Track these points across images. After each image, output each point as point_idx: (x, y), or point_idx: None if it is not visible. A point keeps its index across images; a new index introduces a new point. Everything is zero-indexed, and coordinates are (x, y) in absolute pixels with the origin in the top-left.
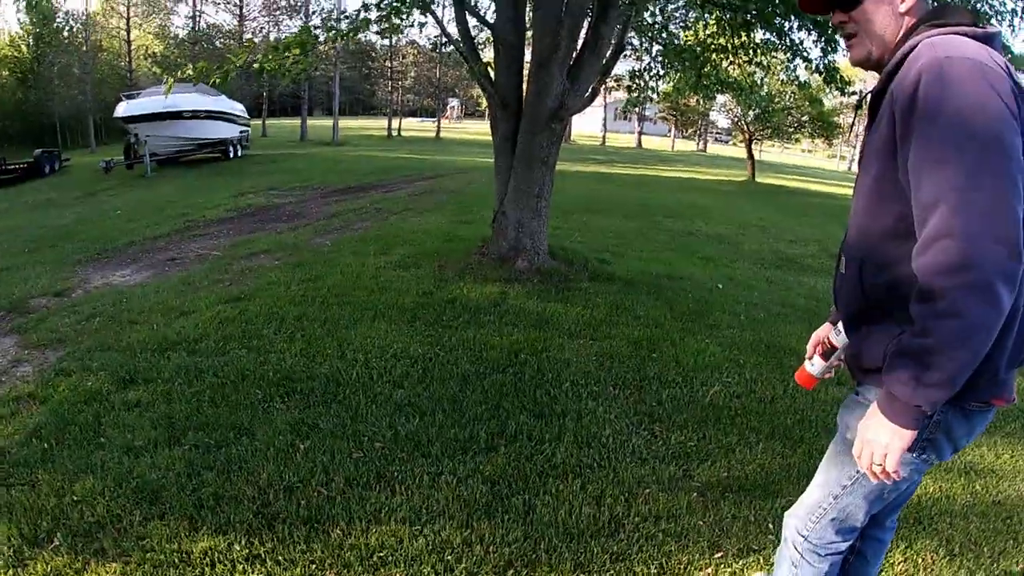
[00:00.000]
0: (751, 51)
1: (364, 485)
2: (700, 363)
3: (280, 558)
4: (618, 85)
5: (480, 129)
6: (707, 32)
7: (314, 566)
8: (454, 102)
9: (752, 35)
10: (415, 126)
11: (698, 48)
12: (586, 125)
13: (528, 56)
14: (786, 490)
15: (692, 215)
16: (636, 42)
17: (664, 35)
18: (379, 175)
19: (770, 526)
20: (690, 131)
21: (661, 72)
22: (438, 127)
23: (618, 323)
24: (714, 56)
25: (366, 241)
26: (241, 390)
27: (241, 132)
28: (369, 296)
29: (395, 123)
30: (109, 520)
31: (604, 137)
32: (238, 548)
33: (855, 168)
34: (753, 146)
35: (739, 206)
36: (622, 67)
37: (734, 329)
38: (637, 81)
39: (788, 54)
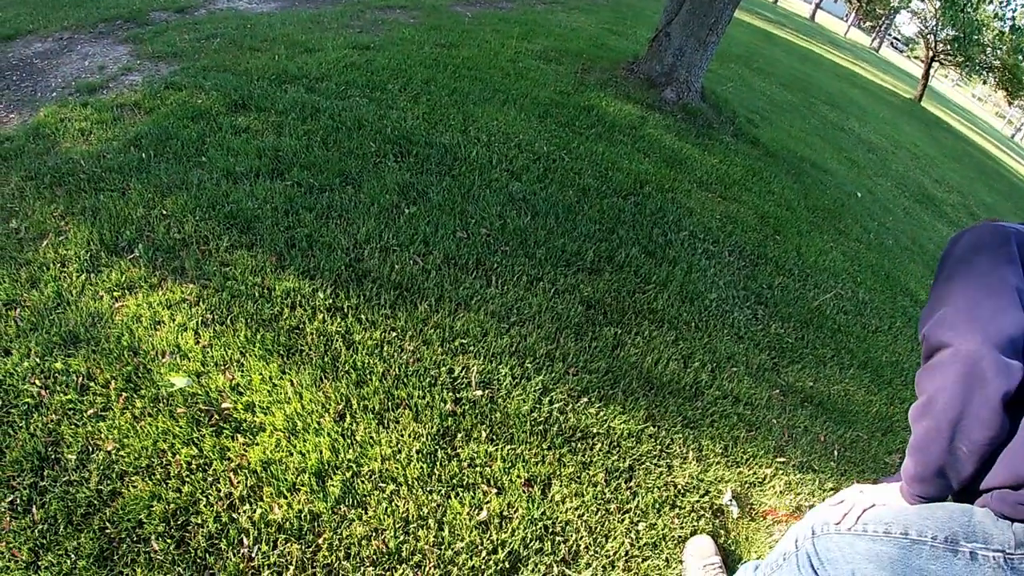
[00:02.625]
0: None
1: (461, 267)
2: (820, 264)
3: (362, 316)
4: None
5: None
6: None
7: (394, 333)
8: None
9: None
10: None
11: None
12: None
13: None
14: (861, 424)
15: (849, 111)
16: None
17: None
18: None
19: (834, 453)
20: (869, 24)
21: None
22: None
23: (751, 190)
24: None
25: (509, 22)
26: (355, 138)
27: None
28: (503, 79)
29: None
30: (195, 240)
31: None
32: (322, 296)
33: (1019, 137)
34: (931, 69)
35: (897, 123)
36: None
37: (861, 244)
38: None
39: None
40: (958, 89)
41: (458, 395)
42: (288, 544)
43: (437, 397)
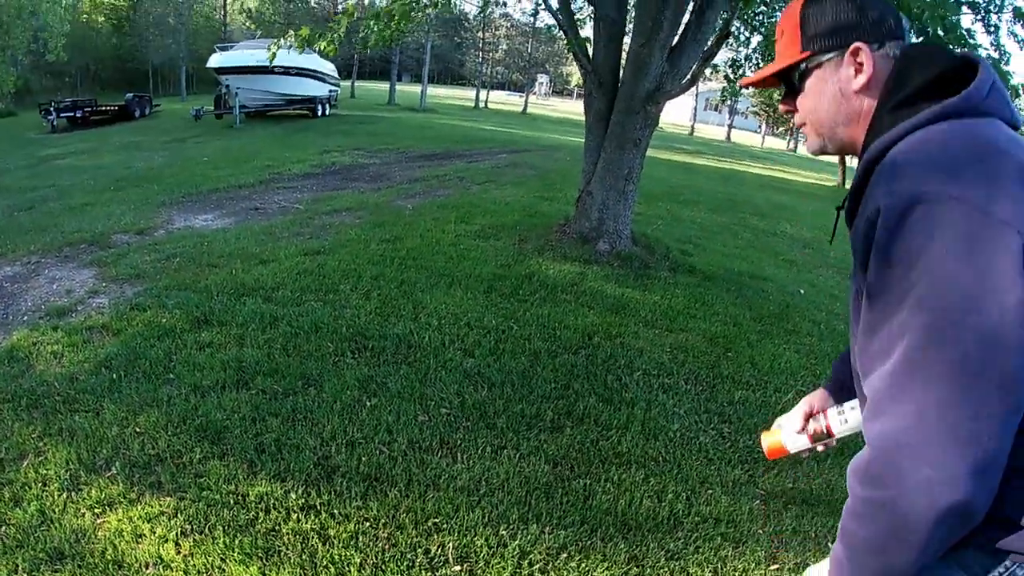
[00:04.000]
0: None
1: (426, 449)
2: (776, 367)
3: (335, 511)
4: (714, 74)
5: (567, 108)
6: None
7: (368, 523)
8: (543, 78)
9: None
10: (503, 99)
11: None
12: (674, 113)
13: (628, 36)
14: None
15: (778, 216)
16: (739, 30)
17: (768, 24)
18: (464, 144)
19: (829, 545)
20: (781, 129)
21: (761, 64)
22: (525, 102)
23: (695, 316)
24: None
25: (447, 208)
26: (313, 341)
27: (331, 91)
28: (447, 263)
29: (483, 95)
30: (169, 455)
31: (692, 127)
32: (294, 496)
33: None
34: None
35: (827, 212)
36: (721, 56)
37: (813, 337)
38: (735, 71)
39: None
40: None
41: (437, 573)
42: None
43: None
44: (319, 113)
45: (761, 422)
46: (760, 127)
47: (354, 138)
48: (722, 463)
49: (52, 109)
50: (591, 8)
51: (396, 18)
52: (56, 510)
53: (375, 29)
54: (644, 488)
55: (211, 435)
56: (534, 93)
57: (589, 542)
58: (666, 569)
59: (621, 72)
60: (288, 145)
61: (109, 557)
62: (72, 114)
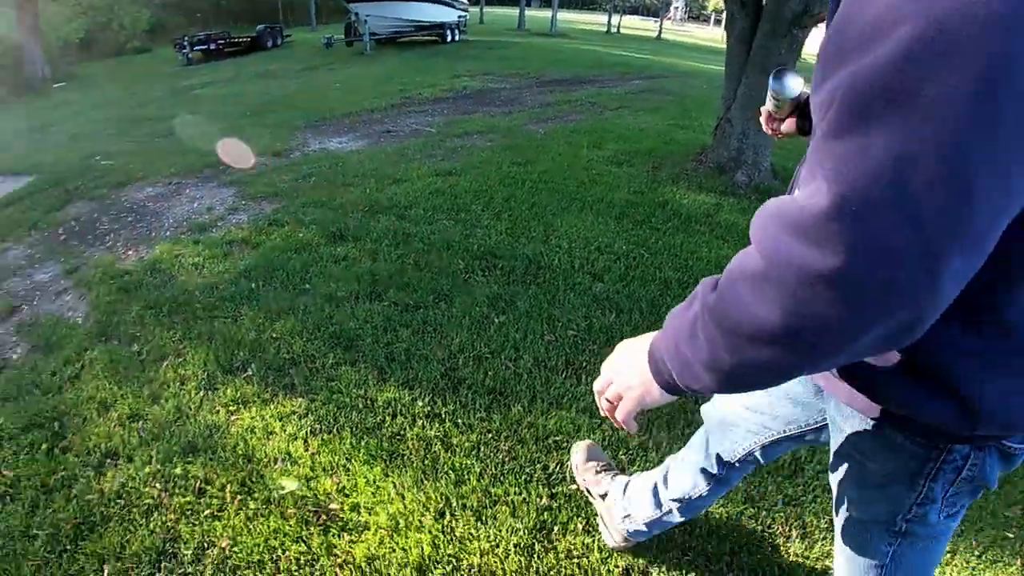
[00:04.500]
0: None
1: (551, 368)
2: None
3: (459, 420)
4: None
5: (704, 35)
6: None
7: (490, 435)
8: (679, 2)
9: None
10: (636, 24)
11: None
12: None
13: None
14: None
15: None
16: None
17: None
18: (596, 69)
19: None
20: None
21: None
22: (660, 27)
23: None
24: None
25: (579, 133)
26: (445, 258)
27: (459, 17)
28: (578, 187)
29: (615, 19)
30: (303, 359)
31: None
32: (421, 404)
33: None
34: None
35: None
36: None
37: None
38: None
39: None
40: None
41: (553, 490)
42: None
43: (533, 493)
44: (448, 39)
45: None
46: None
47: (484, 63)
48: None
49: (186, 43)
50: None
51: None
52: (192, 407)
53: None
54: None
55: (344, 342)
56: (668, 18)
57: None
58: (782, 514)
59: None
60: (419, 70)
61: (240, 451)
62: (206, 47)
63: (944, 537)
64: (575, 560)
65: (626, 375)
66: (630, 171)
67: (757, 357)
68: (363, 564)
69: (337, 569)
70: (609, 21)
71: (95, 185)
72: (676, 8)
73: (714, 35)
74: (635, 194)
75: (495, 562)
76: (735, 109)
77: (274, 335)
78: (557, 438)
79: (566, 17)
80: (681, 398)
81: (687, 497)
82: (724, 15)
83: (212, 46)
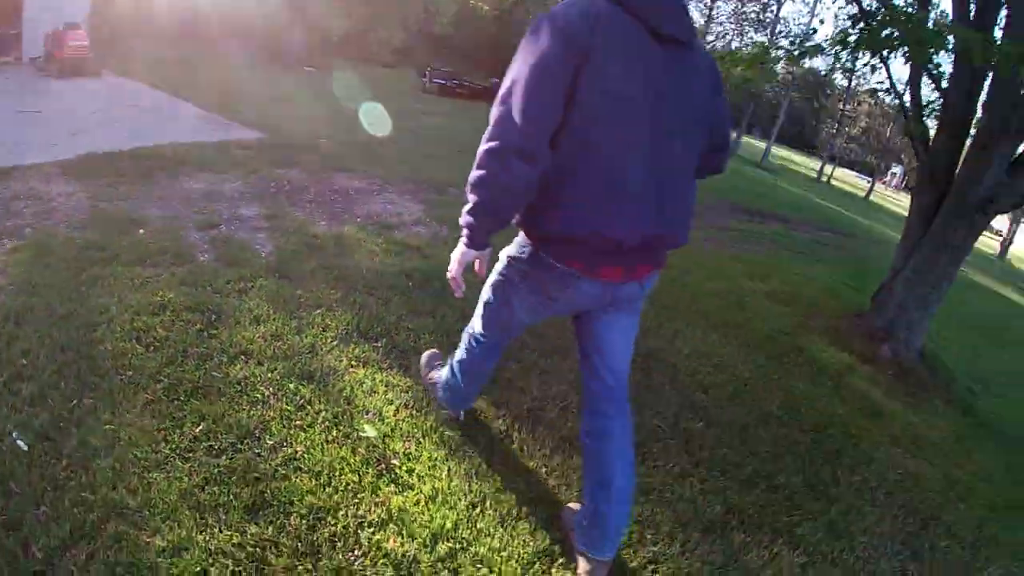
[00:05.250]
0: None
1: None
2: (1003, 539)
3: (526, 447)
4: None
5: None
6: None
7: (545, 475)
8: (898, 168)
9: None
10: (849, 178)
11: None
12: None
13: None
14: None
15: None
16: None
17: None
18: (790, 209)
19: None
20: None
21: None
22: (871, 187)
23: (947, 454)
24: None
25: (754, 264)
26: None
27: None
28: (718, 309)
29: (828, 168)
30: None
31: (1007, 244)
32: (499, 425)
33: None
34: None
35: None
36: None
37: None
38: None
39: None
40: None
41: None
42: (386, 570)
43: (554, 529)
44: None
45: None
46: None
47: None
48: None
49: (427, 73)
50: (940, 93)
51: (743, 66)
52: (323, 349)
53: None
54: (798, 572)
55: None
56: (883, 180)
57: None
58: None
59: (957, 171)
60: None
61: (344, 394)
62: (443, 82)
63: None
64: None
65: (454, 254)
66: (783, 311)
67: (481, 197)
68: (394, 510)
69: (373, 505)
70: (821, 168)
71: (313, 161)
72: (895, 174)
73: None
74: (777, 332)
75: (496, 560)
76: (899, 280)
77: (409, 326)
78: None
79: (779, 152)
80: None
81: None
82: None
83: (449, 82)
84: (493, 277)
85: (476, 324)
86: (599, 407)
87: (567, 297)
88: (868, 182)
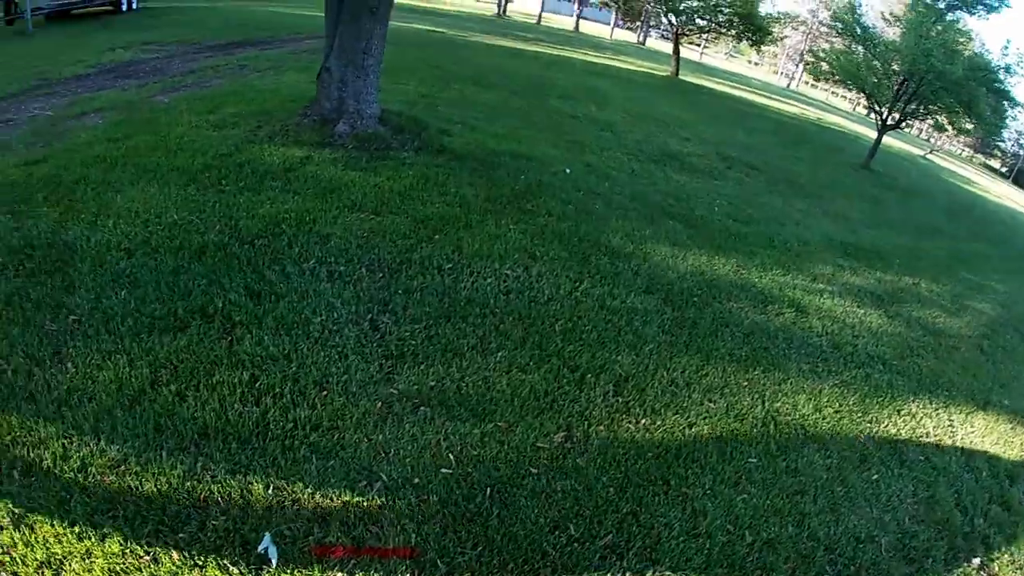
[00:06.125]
0: None
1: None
2: (485, 251)
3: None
4: None
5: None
6: None
7: None
8: None
9: None
10: None
11: None
12: (527, 2)
13: None
14: (499, 412)
15: (588, 100)
16: None
17: None
18: (269, 31)
19: (450, 458)
20: (635, 23)
21: None
22: None
23: (416, 199)
24: None
25: (204, 99)
26: None
27: None
28: (161, 157)
29: None
30: None
31: (540, 16)
32: None
33: (794, 85)
34: (692, 47)
35: (646, 98)
36: None
37: (553, 217)
38: None
39: None
40: (734, 60)
41: None
42: None
43: None
44: (124, 7)
45: (433, 311)
46: (612, 21)
47: (154, 32)
48: (358, 358)
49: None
50: None
51: None
52: None
53: None
54: (244, 391)
55: None
56: None
57: (152, 455)
58: (235, 482)
59: None
60: (74, 47)
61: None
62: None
63: None
64: None
65: None
66: (226, 134)
67: None
68: None
69: None
70: None
71: None
72: None
73: None
74: (218, 158)
75: None
76: (332, 56)
77: None
78: None
79: None
80: None
81: None
82: None
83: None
84: None
85: None
86: None
87: None
88: None
